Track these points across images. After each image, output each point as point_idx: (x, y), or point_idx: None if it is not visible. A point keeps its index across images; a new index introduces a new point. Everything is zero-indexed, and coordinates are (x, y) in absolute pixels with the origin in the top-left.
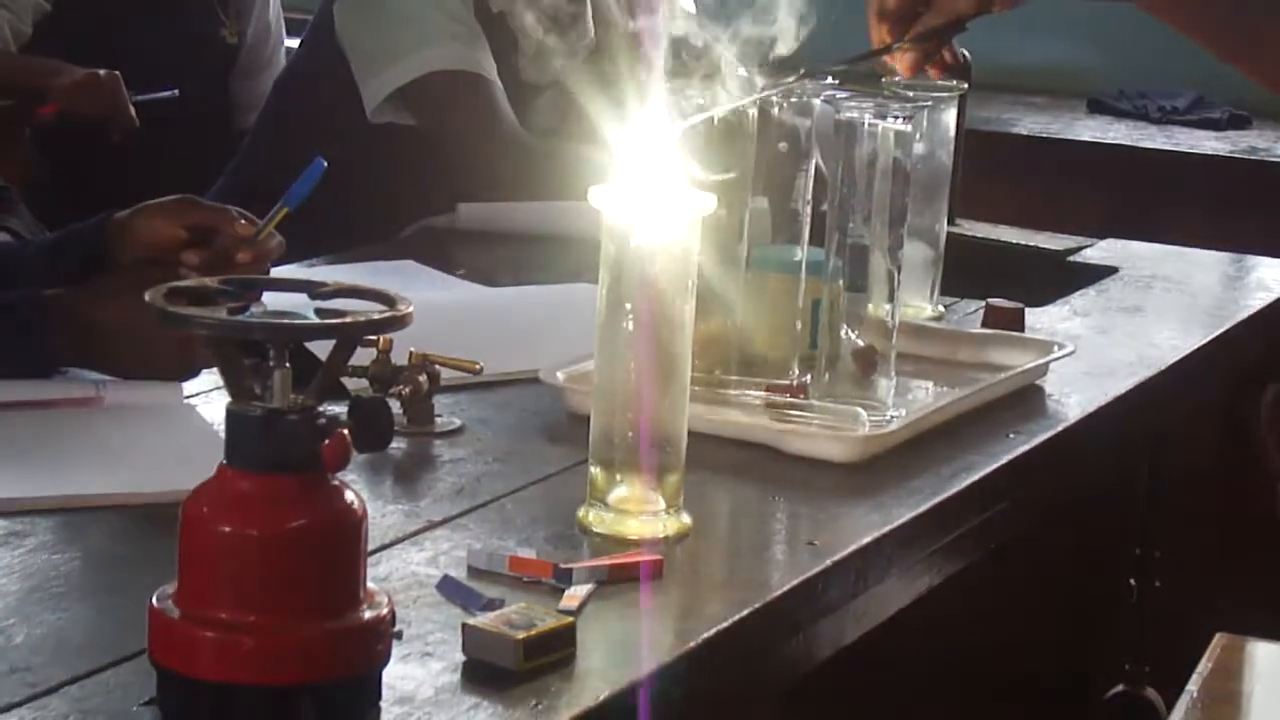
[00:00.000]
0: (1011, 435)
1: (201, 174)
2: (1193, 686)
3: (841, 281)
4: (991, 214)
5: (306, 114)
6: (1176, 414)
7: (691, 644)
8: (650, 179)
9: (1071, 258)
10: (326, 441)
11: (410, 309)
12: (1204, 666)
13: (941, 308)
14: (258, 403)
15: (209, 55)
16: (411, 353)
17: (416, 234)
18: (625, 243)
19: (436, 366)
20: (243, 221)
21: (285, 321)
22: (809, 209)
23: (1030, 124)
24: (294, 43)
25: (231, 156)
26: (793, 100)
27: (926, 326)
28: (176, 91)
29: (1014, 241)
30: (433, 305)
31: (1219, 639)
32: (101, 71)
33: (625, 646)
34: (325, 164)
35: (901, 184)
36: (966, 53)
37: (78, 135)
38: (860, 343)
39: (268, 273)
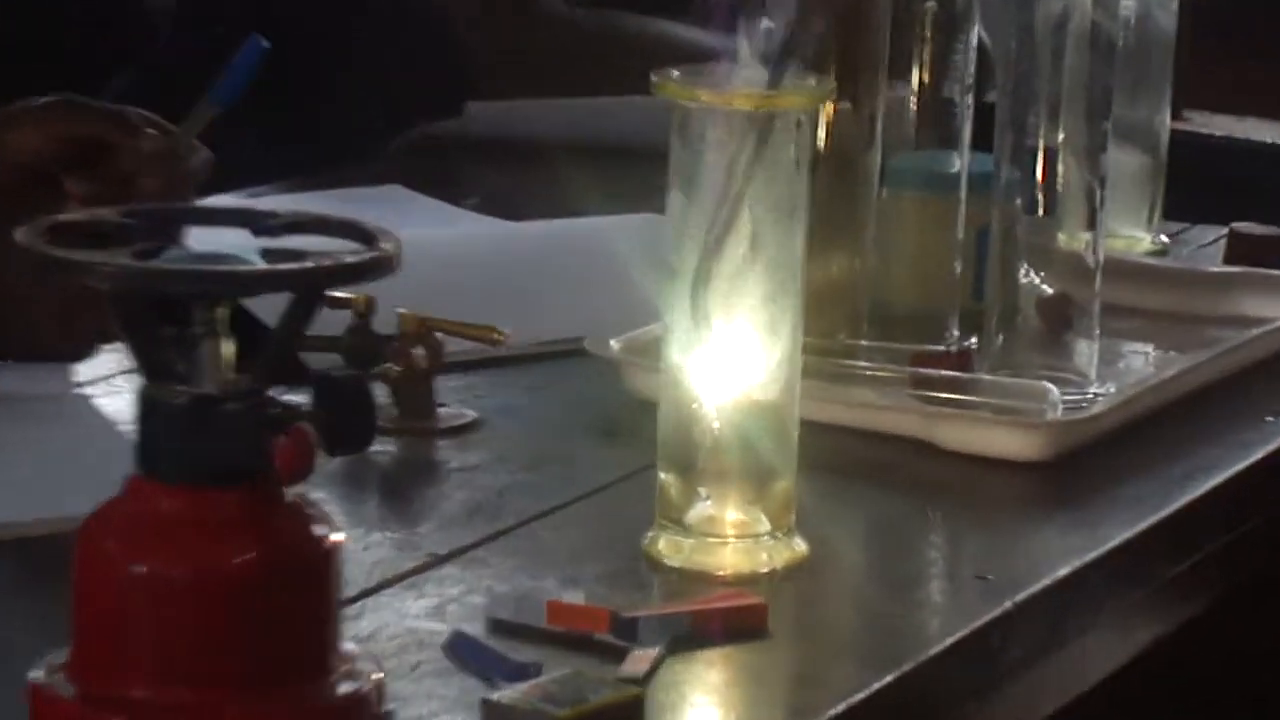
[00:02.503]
0: (1271, 419)
1: (96, 67)
2: None
3: (1019, 202)
4: (1235, 102)
5: None
6: None
7: None
8: (738, 59)
9: None
10: (281, 440)
11: (399, 250)
12: None
13: (1165, 238)
14: (181, 387)
15: None
16: (403, 315)
17: (409, 147)
18: (704, 152)
19: (439, 335)
20: (151, 130)
21: (218, 269)
22: (970, 98)
23: None
24: None
25: (143, 39)
26: None
27: (1144, 264)
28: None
29: (1269, 141)
30: (432, 247)
31: None
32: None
33: None
34: (267, 45)
35: (1105, 59)
36: None
37: None
38: (1048, 290)
39: (191, 201)
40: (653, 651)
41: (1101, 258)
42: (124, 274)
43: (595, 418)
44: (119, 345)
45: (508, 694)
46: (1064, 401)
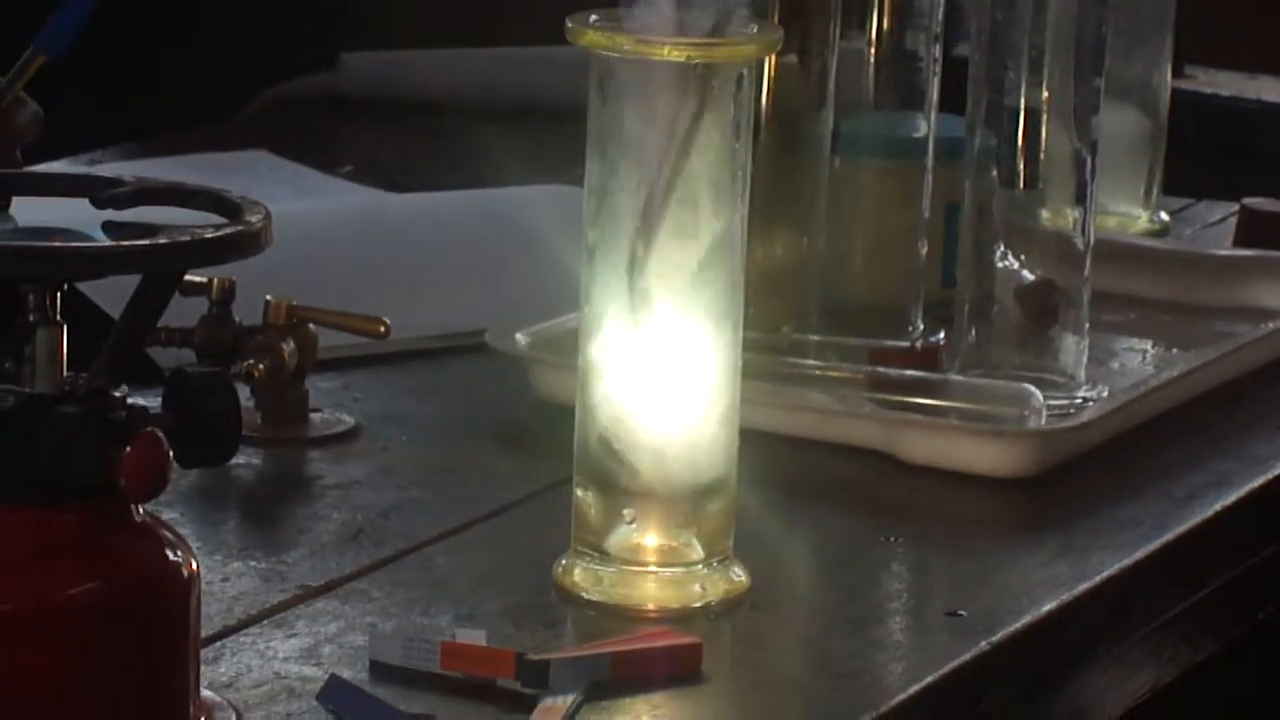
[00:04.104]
0: None
1: None
2: None
3: (995, 173)
4: (1246, 58)
5: None
6: None
7: None
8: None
9: None
10: (127, 450)
11: (267, 224)
12: None
13: (1165, 215)
14: (9, 386)
15: None
16: (269, 303)
17: (272, 106)
18: (626, 112)
19: (311, 327)
20: None
21: (52, 245)
22: (938, 50)
23: None
24: None
25: None
26: None
27: (1141, 246)
28: None
29: None
30: (302, 223)
31: None
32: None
33: None
34: None
35: (1096, 5)
36: None
37: None
38: (1029, 276)
39: (19, 167)
40: (566, 700)
41: (1091, 239)
42: None
43: (497, 424)
44: None
45: None
46: (1047, 407)
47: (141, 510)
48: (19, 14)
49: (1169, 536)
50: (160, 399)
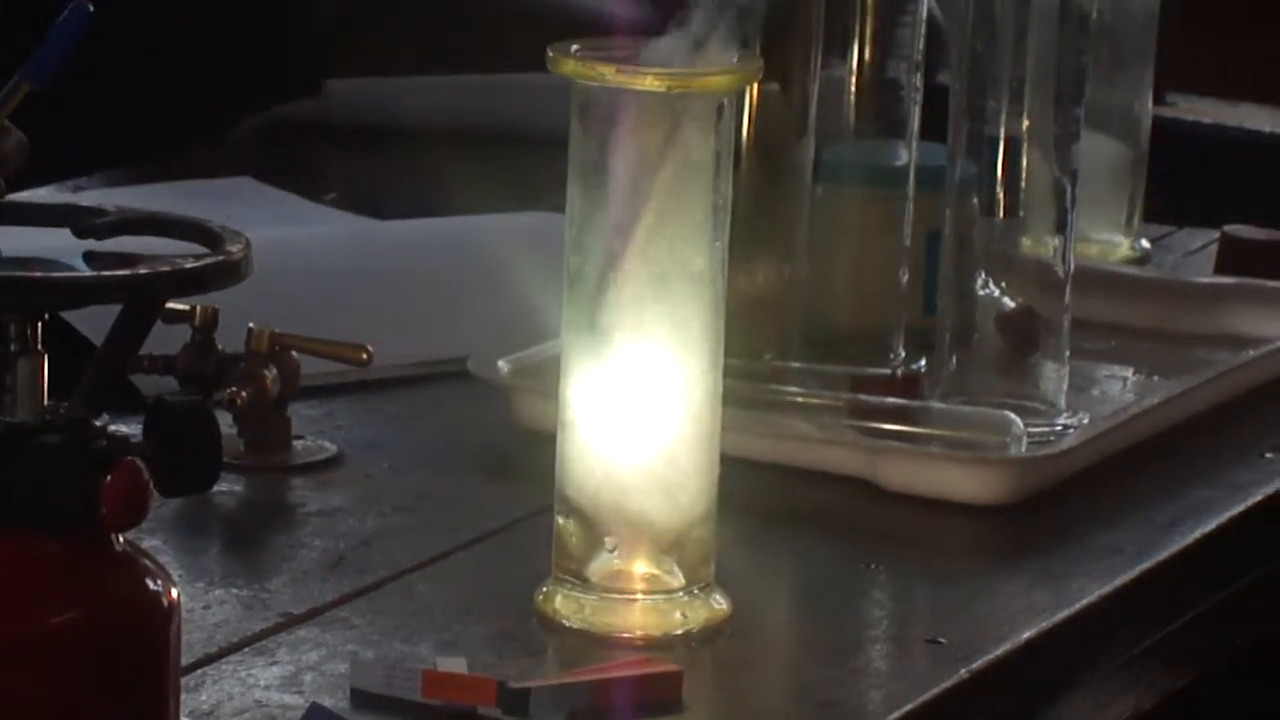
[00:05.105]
0: (1270, 456)
1: None
2: None
3: (976, 201)
4: (1227, 86)
5: None
6: None
7: None
8: (650, 31)
9: None
10: (108, 479)
11: (248, 253)
12: None
13: (1146, 242)
14: None
15: None
16: (252, 330)
17: (257, 132)
18: (609, 140)
19: (294, 355)
20: None
21: (32, 275)
22: (919, 79)
23: None
24: None
25: None
26: None
27: (1122, 274)
28: None
29: (1266, 130)
30: (286, 250)
31: None
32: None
33: None
34: (91, 9)
35: (1076, 34)
36: None
37: None
38: (1010, 303)
39: (1, 195)
40: None
41: (1072, 266)
42: None
43: (479, 452)
44: None
45: None
46: (1028, 434)
47: (122, 539)
48: (8, 38)
49: (1149, 564)
50: (143, 427)
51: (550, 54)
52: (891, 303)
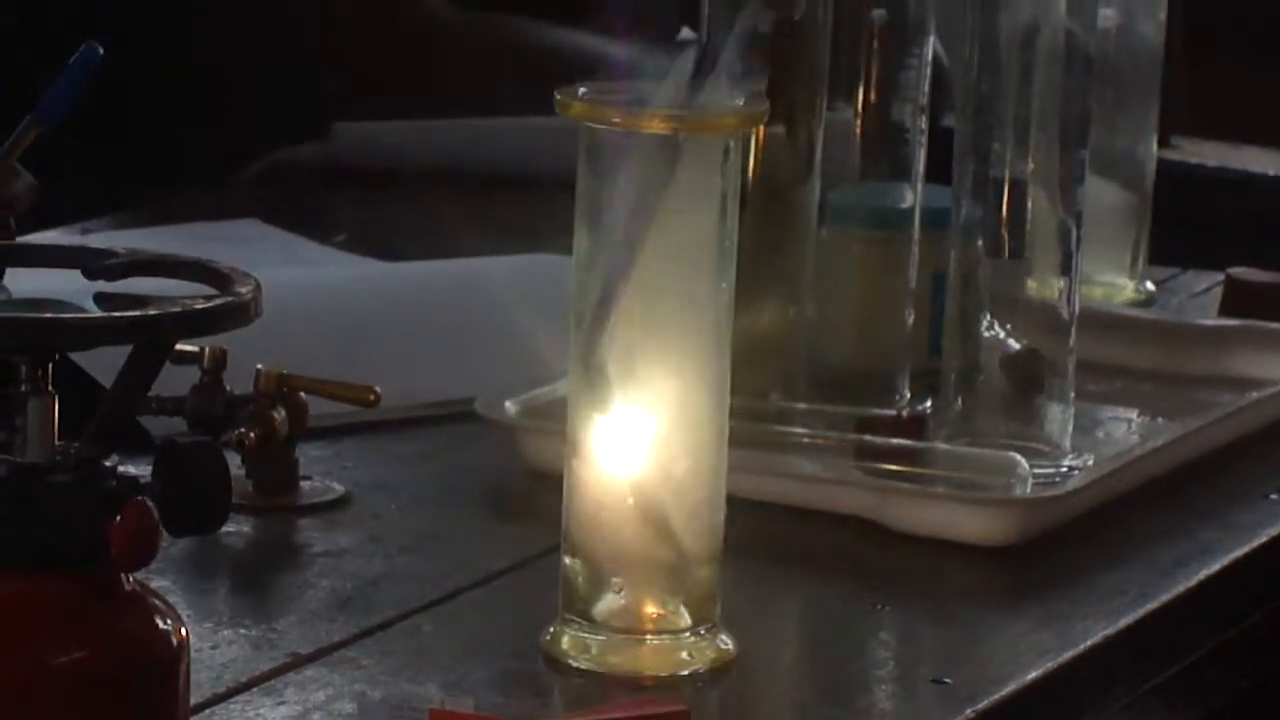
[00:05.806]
0: (1274, 497)
1: None
2: None
3: (981, 243)
4: (1231, 128)
5: None
6: None
7: None
8: (657, 76)
9: None
10: (118, 519)
11: (256, 295)
12: None
13: (1151, 284)
14: (1, 456)
15: None
16: (260, 372)
17: (266, 175)
18: (615, 183)
19: (302, 396)
20: None
21: (43, 316)
22: (924, 122)
23: None
24: None
25: None
26: None
27: (1127, 316)
28: None
29: (1271, 174)
30: (294, 292)
31: None
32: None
33: None
34: (100, 52)
35: (1080, 77)
36: None
37: None
38: (1015, 345)
39: (12, 237)
40: None
41: (1077, 308)
42: None
43: (487, 493)
44: None
45: None
46: (1033, 476)
47: (131, 579)
48: (17, 81)
49: (1154, 604)
50: (153, 468)
51: (558, 97)
52: (896, 344)
